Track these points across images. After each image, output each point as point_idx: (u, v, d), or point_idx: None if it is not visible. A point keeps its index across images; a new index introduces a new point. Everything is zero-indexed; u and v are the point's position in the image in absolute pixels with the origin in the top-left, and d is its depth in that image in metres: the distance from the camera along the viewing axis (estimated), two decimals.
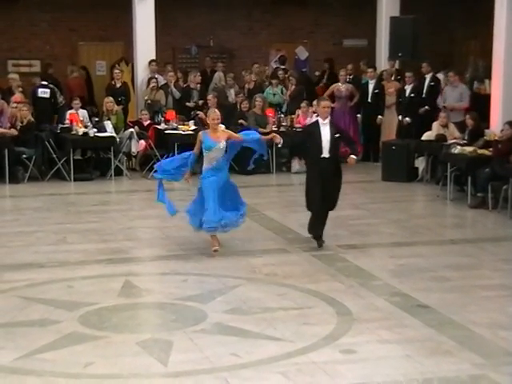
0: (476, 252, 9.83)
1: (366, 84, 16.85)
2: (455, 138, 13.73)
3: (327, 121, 9.63)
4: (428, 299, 7.83)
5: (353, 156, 9.96)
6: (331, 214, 9.93)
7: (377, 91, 16.60)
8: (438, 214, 12.42)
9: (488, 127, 14.24)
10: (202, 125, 15.51)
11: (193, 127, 15.33)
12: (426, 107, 15.69)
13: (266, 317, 7.39)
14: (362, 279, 8.57)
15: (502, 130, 12.72)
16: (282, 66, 18.96)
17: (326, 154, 9.52)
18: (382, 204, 12.60)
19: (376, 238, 10.49)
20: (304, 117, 16.06)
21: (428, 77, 16.03)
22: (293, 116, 16.29)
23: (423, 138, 14.47)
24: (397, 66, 17.31)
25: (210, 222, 9.34)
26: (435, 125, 14.42)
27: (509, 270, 9.01)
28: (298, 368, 6.22)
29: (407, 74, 15.85)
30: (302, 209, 10.06)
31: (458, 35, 19.81)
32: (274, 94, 17.17)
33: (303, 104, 16.28)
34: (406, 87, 15.88)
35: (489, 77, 15.48)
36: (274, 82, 17.43)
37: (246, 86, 17.52)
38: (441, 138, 13.92)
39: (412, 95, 15.76)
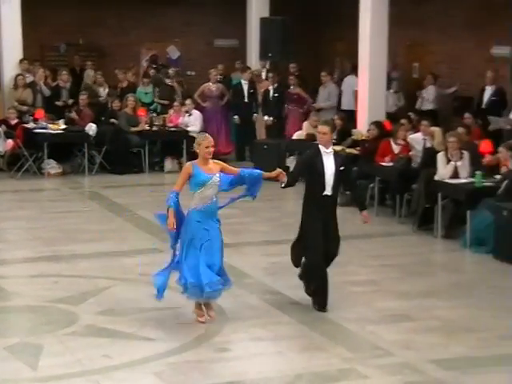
0: (345, 249, 9.98)
1: (239, 84, 16.98)
2: None
3: (331, 149, 7.85)
4: (300, 296, 7.95)
5: (365, 213, 8.11)
6: None
7: (252, 91, 16.79)
8: None
9: (355, 127, 14.60)
10: (72, 124, 15.25)
11: (63, 126, 15.06)
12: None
13: (140, 317, 7.34)
14: (234, 277, 8.56)
15: (369, 130, 13.11)
16: (154, 65, 18.86)
17: (328, 191, 7.74)
18: (255, 203, 12.61)
19: (248, 237, 10.59)
20: (176, 116, 16.02)
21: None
22: (165, 116, 16.23)
23: (294, 137, 14.71)
24: (267, 66, 17.53)
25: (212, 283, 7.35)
26: (306, 124, 14.70)
27: (376, 266, 9.29)
28: (172, 368, 6.22)
29: (270, 75, 16.15)
30: None
31: (325, 36, 20.20)
32: (146, 93, 17.06)
33: (176, 103, 16.25)
34: (269, 87, 16.17)
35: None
36: (145, 80, 17.32)
37: (120, 84, 17.30)
38: (311, 137, 14.18)
39: (276, 95, 16.06)
